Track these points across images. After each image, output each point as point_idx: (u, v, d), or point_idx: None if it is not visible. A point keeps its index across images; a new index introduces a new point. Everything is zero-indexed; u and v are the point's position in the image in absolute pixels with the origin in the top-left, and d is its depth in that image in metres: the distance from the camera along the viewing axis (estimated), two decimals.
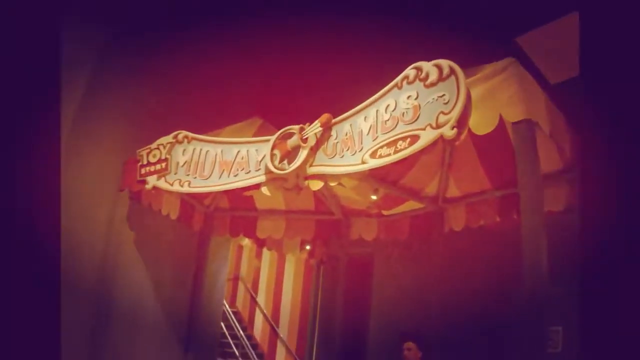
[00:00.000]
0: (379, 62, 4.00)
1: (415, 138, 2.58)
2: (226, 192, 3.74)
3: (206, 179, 3.56)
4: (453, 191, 4.44)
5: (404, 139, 2.63)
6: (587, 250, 1.99)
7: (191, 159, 3.65)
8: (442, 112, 2.49)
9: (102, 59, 3.96)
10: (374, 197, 4.50)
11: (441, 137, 2.49)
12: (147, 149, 3.83)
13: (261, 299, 8.93)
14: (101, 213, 4.00)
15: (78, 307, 3.43)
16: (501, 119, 2.60)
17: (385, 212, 4.97)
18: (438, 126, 2.49)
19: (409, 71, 2.71)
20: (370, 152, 2.79)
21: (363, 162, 2.83)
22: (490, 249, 4.36)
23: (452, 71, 2.52)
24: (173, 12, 4.23)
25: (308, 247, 5.84)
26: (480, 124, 2.60)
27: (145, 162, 3.80)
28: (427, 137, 2.53)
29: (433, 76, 2.58)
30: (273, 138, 3.29)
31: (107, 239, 4.02)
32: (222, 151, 3.56)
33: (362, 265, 5.88)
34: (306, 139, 3.12)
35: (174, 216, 4.40)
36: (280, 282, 8.58)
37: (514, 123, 2.57)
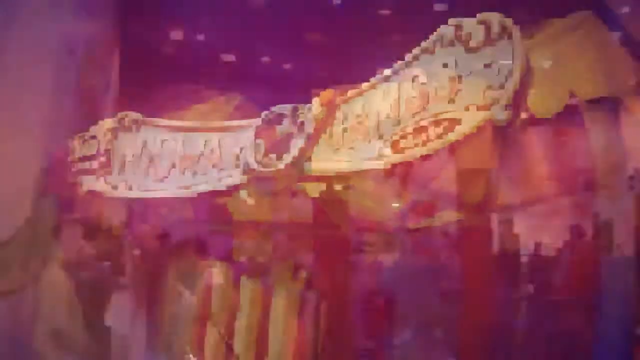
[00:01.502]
0: (403, 16, 4.01)
1: (453, 123, 2.60)
2: (190, 198, 3.75)
3: (162, 180, 3.57)
4: (506, 197, 4.45)
5: (437, 123, 2.65)
6: None
7: (142, 152, 3.67)
8: (491, 87, 2.50)
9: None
10: (396, 205, 4.52)
11: (490, 122, 2.51)
12: (80, 137, 3.85)
13: (239, 347, 8.92)
14: (16, 224, 4.00)
15: None
16: (573, 97, 2.61)
17: (412, 226, 4.98)
18: (485, 106, 2.51)
19: (445, 29, 2.73)
20: (391, 141, 2.81)
21: (381, 156, 2.85)
22: (559, 278, 4.36)
23: (504, 30, 2.54)
24: None
25: (305, 275, 5.84)
26: (544, 103, 2.62)
27: (78, 156, 3.81)
28: (470, 121, 2.55)
29: (478, 36, 2.60)
30: (256, 122, 3.30)
31: (24, 264, 4.02)
32: (184, 141, 3.58)
33: (381, 299, 5.87)
34: (302, 123, 3.14)
35: (118, 231, 4.41)
36: (265, 323, 8.55)
37: (589, 102, 2.59)
